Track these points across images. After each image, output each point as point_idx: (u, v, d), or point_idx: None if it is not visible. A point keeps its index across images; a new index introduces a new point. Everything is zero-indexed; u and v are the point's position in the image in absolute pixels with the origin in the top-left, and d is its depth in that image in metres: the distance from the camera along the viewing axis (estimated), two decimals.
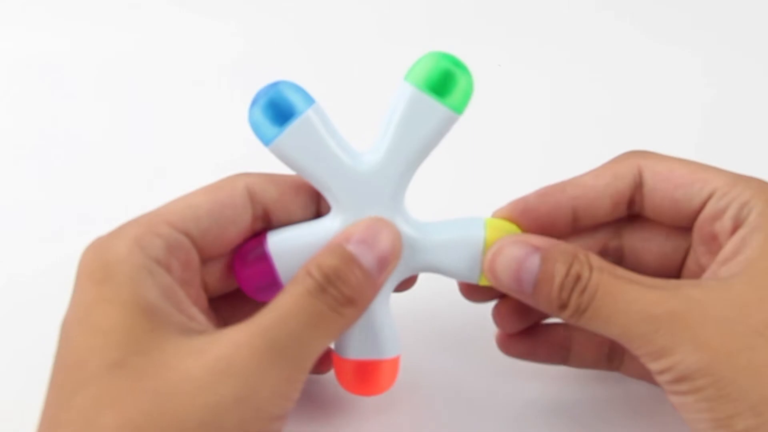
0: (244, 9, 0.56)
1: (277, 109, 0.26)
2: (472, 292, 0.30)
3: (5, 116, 0.48)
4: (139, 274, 0.23)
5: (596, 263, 0.25)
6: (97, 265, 0.24)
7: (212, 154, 0.44)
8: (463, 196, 0.41)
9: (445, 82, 0.26)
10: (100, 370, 0.22)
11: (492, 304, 0.30)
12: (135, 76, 0.50)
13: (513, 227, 0.27)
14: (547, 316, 0.30)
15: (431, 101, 0.26)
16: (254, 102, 0.26)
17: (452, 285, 0.30)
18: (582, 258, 0.25)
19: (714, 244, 0.26)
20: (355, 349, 0.27)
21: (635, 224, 0.29)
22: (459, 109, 0.26)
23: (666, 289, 0.24)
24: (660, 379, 0.24)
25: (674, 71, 0.50)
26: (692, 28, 0.54)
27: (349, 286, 0.24)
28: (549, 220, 0.27)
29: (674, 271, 0.29)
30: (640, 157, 0.28)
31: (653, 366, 0.24)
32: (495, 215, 0.28)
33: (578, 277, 0.24)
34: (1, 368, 0.33)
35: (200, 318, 0.25)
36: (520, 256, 0.25)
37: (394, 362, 0.28)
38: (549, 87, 0.49)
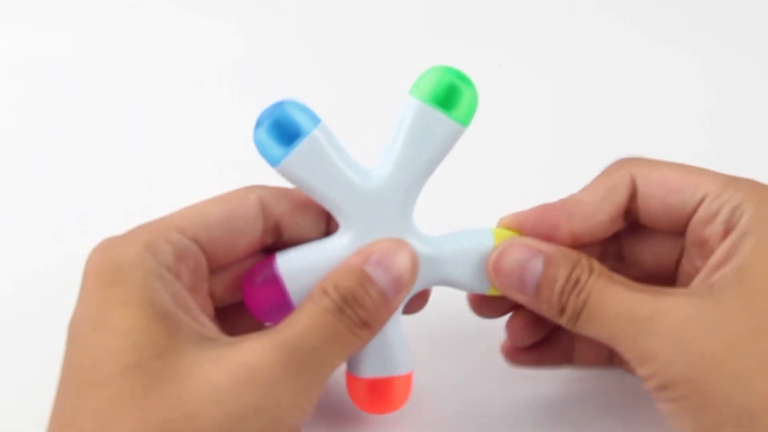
0: (244, 9, 0.56)
1: (283, 130, 0.26)
2: (483, 307, 0.29)
3: (5, 116, 0.48)
4: (151, 279, 0.23)
5: (597, 268, 0.25)
6: (106, 267, 0.24)
7: (212, 154, 0.44)
8: (463, 197, 0.41)
9: (450, 96, 0.26)
10: (116, 372, 0.22)
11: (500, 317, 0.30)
12: (135, 76, 0.50)
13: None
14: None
15: (438, 114, 0.26)
16: (259, 123, 0.26)
17: (453, 295, 0.30)
18: (585, 263, 0.25)
19: (705, 248, 0.26)
20: (368, 367, 0.27)
21: (632, 227, 0.29)
22: (465, 122, 0.26)
23: (655, 293, 0.24)
24: (646, 385, 0.24)
25: (674, 71, 0.50)
26: (692, 28, 0.54)
27: (365, 309, 0.24)
28: (546, 238, 0.27)
29: (671, 271, 0.29)
30: (632, 165, 0.28)
31: (639, 371, 0.24)
32: (501, 224, 0.28)
33: (577, 281, 0.25)
34: (2, 367, 0.33)
35: (210, 325, 0.25)
36: (524, 258, 0.26)
37: (407, 379, 0.28)
38: (549, 87, 0.49)
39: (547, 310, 0.25)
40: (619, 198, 0.27)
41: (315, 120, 0.26)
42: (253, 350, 0.22)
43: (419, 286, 0.27)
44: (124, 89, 0.49)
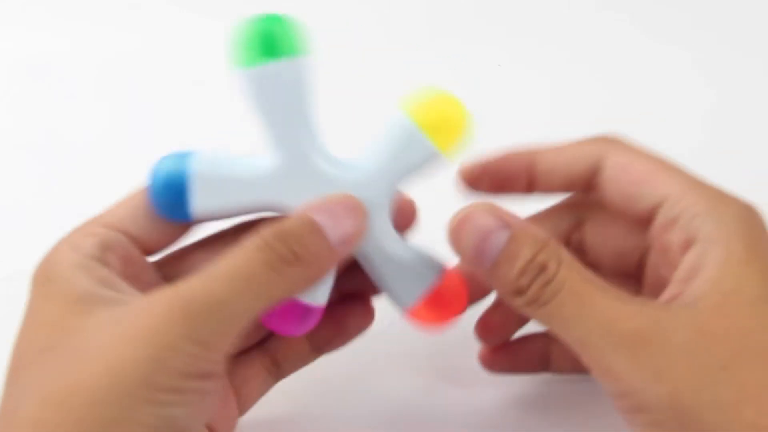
0: (244, 9, 0.56)
1: (172, 190, 0.26)
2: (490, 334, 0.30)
3: (5, 116, 0.48)
4: (73, 270, 0.24)
5: (567, 258, 0.24)
6: (40, 270, 0.25)
7: None
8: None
9: (270, 43, 0.25)
10: (32, 358, 0.23)
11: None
12: (135, 76, 0.50)
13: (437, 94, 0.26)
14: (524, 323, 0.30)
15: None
16: (154, 202, 0.26)
17: None
18: (552, 248, 0.24)
19: (667, 256, 0.25)
20: (408, 294, 0.27)
21: (597, 219, 0.28)
22: (302, 52, 0.26)
23: (633, 305, 0.23)
24: (616, 404, 0.23)
25: (674, 71, 0.50)
26: (692, 28, 0.54)
27: (302, 245, 0.23)
28: (506, 178, 0.28)
29: (630, 271, 0.28)
30: (607, 144, 0.27)
31: (607, 387, 0.23)
32: (462, 173, 0.28)
33: (544, 267, 0.23)
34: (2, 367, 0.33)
35: (140, 296, 0.25)
36: (488, 227, 0.24)
37: (451, 276, 0.27)
38: (549, 87, 0.49)
39: (501, 288, 0.24)
40: (581, 167, 0.27)
41: (187, 157, 0.26)
42: (143, 305, 0.23)
43: (385, 195, 0.26)
44: (124, 89, 0.49)
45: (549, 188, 0.28)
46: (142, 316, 0.22)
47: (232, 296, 0.23)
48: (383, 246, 0.26)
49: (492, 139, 0.44)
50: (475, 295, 0.29)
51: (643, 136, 0.45)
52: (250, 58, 0.25)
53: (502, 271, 0.24)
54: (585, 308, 0.23)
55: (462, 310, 0.27)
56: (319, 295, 0.26)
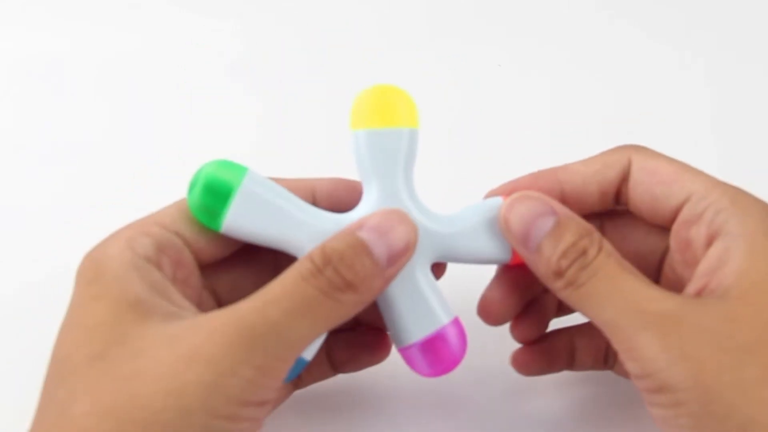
0: (244, 9, 0.56)
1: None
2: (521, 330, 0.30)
3: (5, 116, 0.48)
4: (127, 271, 0.24)
5: (607, 247, 0.25)
6: (90, 266, 0.24)
7: (213, 154, 0.44)
8: (463, 198, 0.41)
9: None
10: (82, 363, 0.22)
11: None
12: (135, 76, 0.50)
13: None
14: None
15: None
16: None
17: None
18: (595, 237, 0.25)
19: (688, 252, 0.26)
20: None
21: (618, 220, 0.29)
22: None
23: (663, 292, 0.24)
24: (639, 384, 0.24)
25: (674, 71, 0.50)
26: (693, 28, 0.54)
27: (352, 271, 0.24)
28: None
29: (649, 274, 0.28)
30: (632, 151, 0.28)
31: (632, 366, 0.23)
32: (487, 196, 0.29)
33: (584, 252, 0.24)
34: (2, 375, 0.33)
35: (191, 309, 0.24)
36: (537, 212, 0.26)
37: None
38: (549, 87, 0.49)
39: (543, 270, 0.25)
40: (612, 174, 0.28)
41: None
42: (206, 328, 0.22)
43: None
44: (124, 89, 0.49)
45: (582, 205, 0.28)
46: (202, 338, 0.22)
47: (289, 322, 0.23)
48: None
49: (493, 140, 0.45)
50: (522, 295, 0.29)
51: (643, 136, 0.45)
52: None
53: (545, 253, 0.25)
54: (617, 290, 0.24)
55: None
56: (444, 314, 0.27)
